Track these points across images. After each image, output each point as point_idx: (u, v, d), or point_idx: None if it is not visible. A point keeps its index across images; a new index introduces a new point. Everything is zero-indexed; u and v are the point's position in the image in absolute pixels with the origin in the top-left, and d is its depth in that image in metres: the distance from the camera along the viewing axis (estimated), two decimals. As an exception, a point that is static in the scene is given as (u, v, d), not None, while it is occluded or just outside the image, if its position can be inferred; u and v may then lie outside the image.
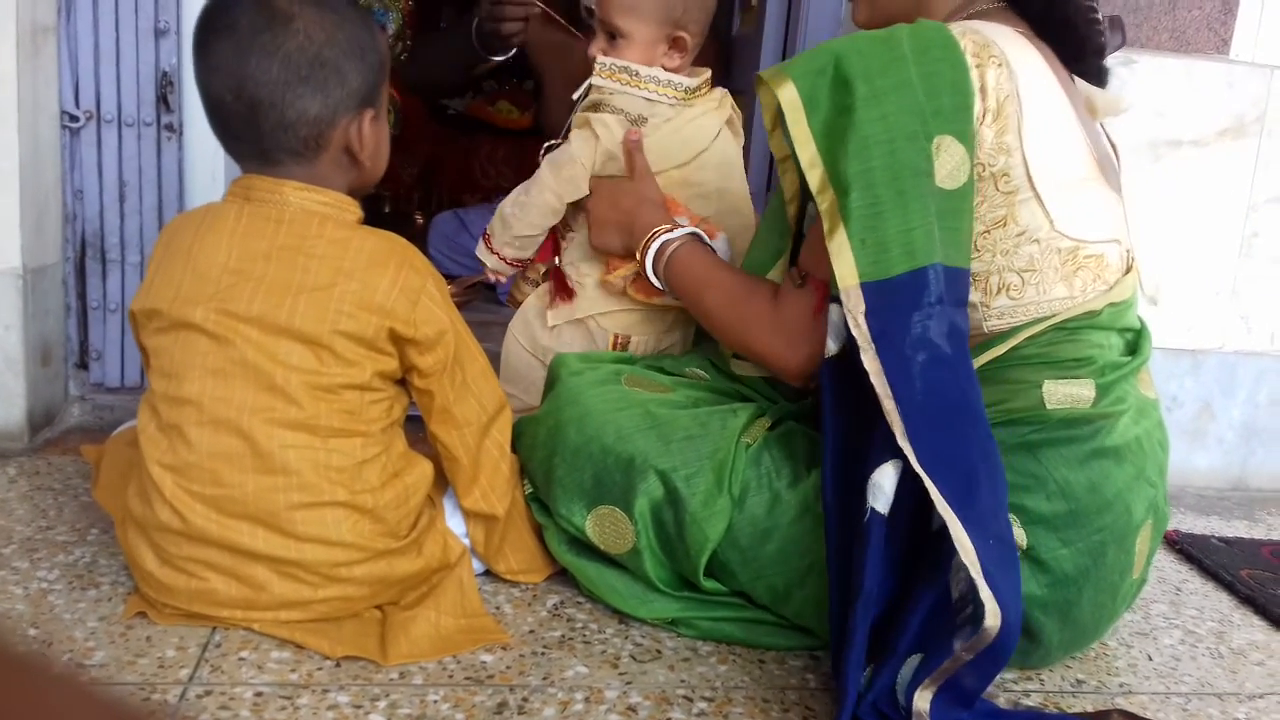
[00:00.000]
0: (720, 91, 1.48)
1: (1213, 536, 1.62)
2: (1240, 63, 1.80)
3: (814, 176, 1.03)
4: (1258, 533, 1.70)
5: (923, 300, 0.98)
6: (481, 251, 1.46)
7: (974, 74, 1.03)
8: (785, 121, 1.04)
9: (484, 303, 2.52)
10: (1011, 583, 0.93)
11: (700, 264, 1.26)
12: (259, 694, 0.97)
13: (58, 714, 0.27)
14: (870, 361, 0.98)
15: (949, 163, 1.01)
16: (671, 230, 1.29)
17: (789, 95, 1.04)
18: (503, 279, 1.50)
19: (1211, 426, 1.89)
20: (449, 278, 1.65)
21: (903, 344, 0.97)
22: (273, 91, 1.07)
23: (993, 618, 0.89)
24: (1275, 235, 1.85)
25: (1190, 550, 1.54)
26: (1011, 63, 1.04)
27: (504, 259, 1.45)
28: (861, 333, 0.98)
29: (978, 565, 0.91)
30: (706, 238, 1.32)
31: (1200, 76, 1.78)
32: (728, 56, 2.59)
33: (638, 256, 1.31)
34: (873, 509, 0.97)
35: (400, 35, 3.44)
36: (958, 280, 1.02)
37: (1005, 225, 1.05)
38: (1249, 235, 1.84)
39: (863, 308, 0.99)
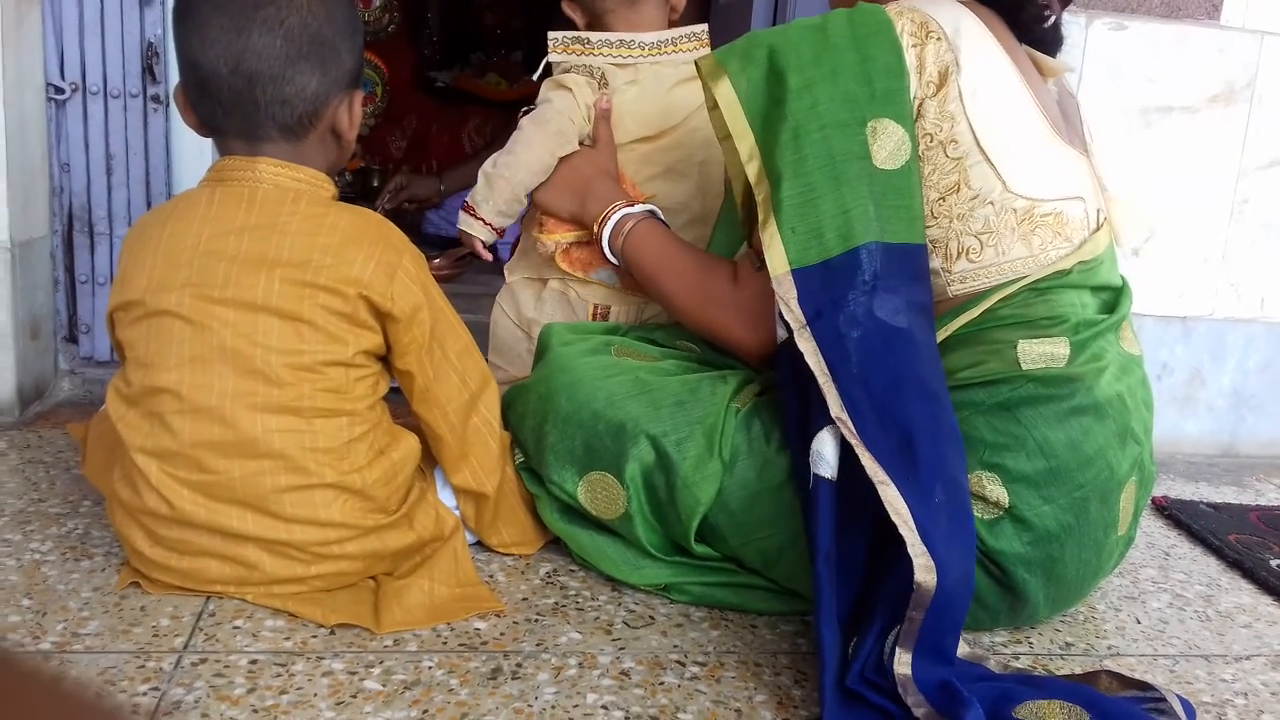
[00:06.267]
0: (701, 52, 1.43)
1: (1201, 502, 1.63)
2: (1231, 28, 1.79)
3: (752, 169, 1.07)
4: (1246, 498, 1.71)
5: (857, 279, 1.02)
6: (466, 222, 1.39)
7: (910, 54, 1.07)
8: (724, 116, 1.08)
9: (477, 274, 2.50)
10: (956, 538, 0.95)
11: (659, 241, 1.27)
12: (254, 661, 0.97)
13: (31, 712, 0.27)
14: (805, 342, 1.02)
15: (888, 144, 1.05)
16: (630, 205, 1.30)
17: (725, 93, 1.08)
18: (487, 253, 1.42)
19: (1201, 393, 1.90)
20: (440, 251, 1.64)
21: (838, 321, 1.01)
22: (274, 65, 1.05)
23: (924, 572, 0.92)
24: (1265, 201, 1.85)
25: (1179, 515, 1.55)
26: (950, 35, 1.08)
27: (492, 226, 1.38)
28: (794, 316, 1.03)
29: (910, 522, 0.93)
30: (661, 215, 1.32)
31: (1191, 42, 1.77)
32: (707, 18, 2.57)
33: (594, 229, 1.32)
34: (817, 475, 1.00)
35: (387, 7, 3.41)
36: (908, 256, 1.05)
37: (958, 190, 1.08)
38: (1239, 201, 1.84)
39: (794, 293, 1.03)
